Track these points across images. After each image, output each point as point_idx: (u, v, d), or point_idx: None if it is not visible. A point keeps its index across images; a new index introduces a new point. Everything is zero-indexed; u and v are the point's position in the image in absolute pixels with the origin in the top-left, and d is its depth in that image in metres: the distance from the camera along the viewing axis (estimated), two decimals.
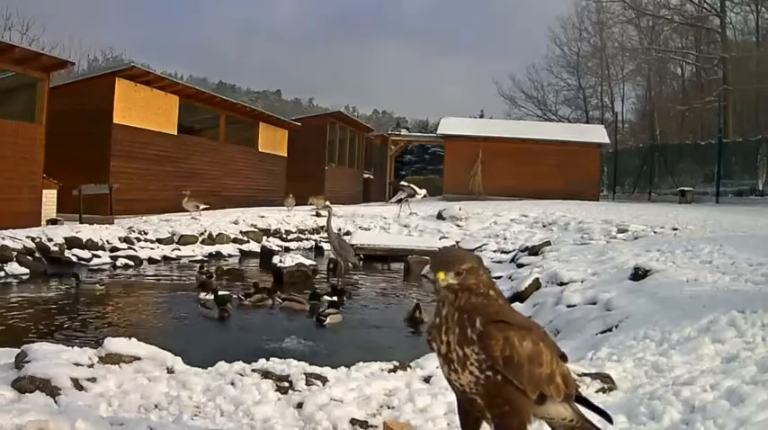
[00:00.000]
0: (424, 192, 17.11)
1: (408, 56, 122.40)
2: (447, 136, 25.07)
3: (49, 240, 9.15)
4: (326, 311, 6.22)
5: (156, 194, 14.63)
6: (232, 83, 73.24)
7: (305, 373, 3.22)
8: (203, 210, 13.49)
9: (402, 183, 16.82)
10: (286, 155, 22.45)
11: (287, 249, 11.41)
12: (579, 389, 3.09)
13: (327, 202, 16.18)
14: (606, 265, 7.09)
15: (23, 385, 2.88)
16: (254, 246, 12.03)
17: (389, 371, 3.45)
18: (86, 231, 10.02)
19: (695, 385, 2.84)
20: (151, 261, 10.14)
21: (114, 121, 13.92)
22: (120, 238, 10.35)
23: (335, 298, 7.02)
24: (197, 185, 16.44)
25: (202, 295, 6.88)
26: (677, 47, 35.33)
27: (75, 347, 3.37)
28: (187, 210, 13.37)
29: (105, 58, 37.38)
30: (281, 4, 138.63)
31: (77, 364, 3.09)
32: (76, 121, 13.33)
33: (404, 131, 32.93)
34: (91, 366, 3.14)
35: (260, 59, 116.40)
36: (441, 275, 1.71)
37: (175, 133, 16.14)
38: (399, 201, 16.33)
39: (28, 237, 8.96)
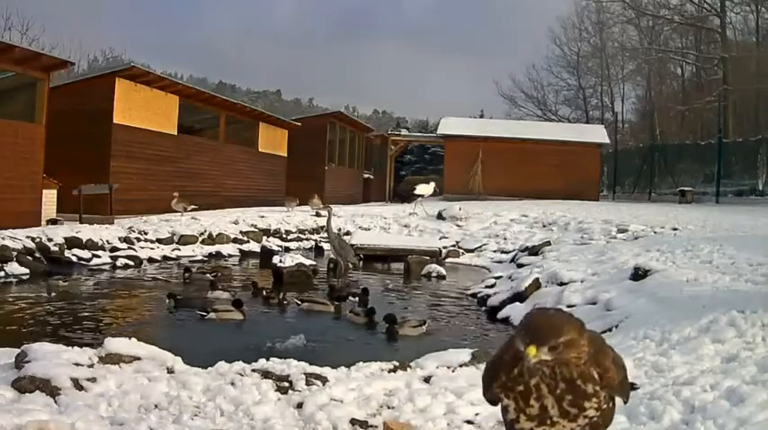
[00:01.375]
0: (433, 185, 16.91)
1: (408, 56, 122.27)
2: (447, 136, 25.09)
3: (49, 240, 9.14)
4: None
5: (156, 194, 14.62)
6: (232, 83, 73.14)
7: (305, 373, 3.23)
8: (191, 210, 13.47)
9: (416, 192, 16.67)
10: (286, 155, 22.44)
11: (287, 249, 11.40)
12: None
13: (316, 200, 16.15)
14: (606, 265, 7.09)
15: (23, 385, 2.88)
16: (254, 246, 12.02)
17: (389, 371, 3.45)
18: (86, 231, 10.02)
19: (695, 385, 2.84)
20: (151, 261, 10.14)
21: (114, 121, 13.91)
22: (120, 238, 10.35)
23: (359, 298, 6.96)
24: (197, 185, 16.46)
25: (210, 294, 6.86)
26: (677, 47, 35.33)
27: (75, 347, 3.38)
28: (176, 211, 13.36)
29: (105, 58, 37.32)
30: (282, 5, 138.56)
31: (77, 364, 3.10)
32: (76, 121, 13.31)
33: (404, 131, 32.90)
34: (91, 366, 3.14)
35: (260, 59, 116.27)
36: (531, 351, 1.43)
37: (175, 133, 16.13)
38: (416, 200, 16.31)
39: (28, 237, 8.95)
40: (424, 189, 16.65)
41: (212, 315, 6.03)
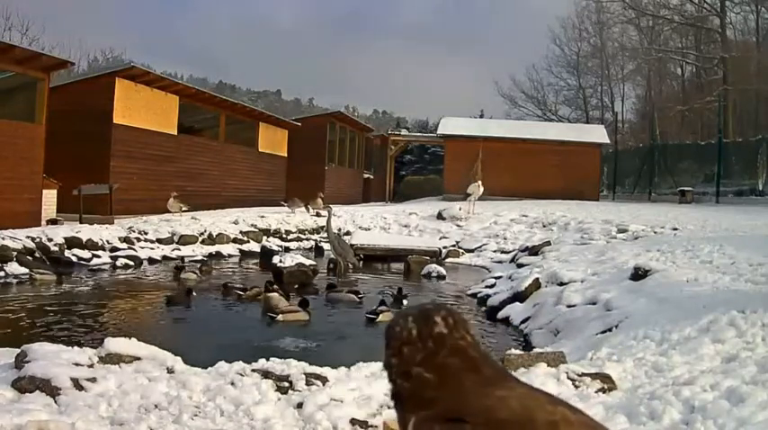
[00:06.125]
0: (479, 184, 16.34)
1: (409, 55, 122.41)
2: (447, 136, 25.07)
3: (49, 240, 9.13)
4: (378, 309, 6.19)
5: (156, 194, 14.60)
6: (232, 83, 73.16)
7: (305, 373, 3.23)
8: (185, 211, 13.41)
9: (468, 191, 16.41)
10: (286, 155, 22.44)
11: (287, 249, 11.40)
12: (579, 389, 3.10)
13: (318, 201, 16.02)
14: (606, 265, 7.09)
15: (23, 385, 2.88)
16: (254, 246, 12.01)
17: None
18: (86, 231, 10.01)
19: (695, 385, 2.84)
20: (151, 261, 10.13)
21: (114, 121, 13.90)
22: (120, 238, 10.34)
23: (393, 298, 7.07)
24: (197, 185, 16.45)
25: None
26: (677, 47, 35.32)
27: (75, 347, 3.38)
28: (170, 211, 13.28)
29: (105, 58, 37.19)
30: (282, 4, 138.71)
31: (77, 364, 3.10)
32: (76, 121, 13.30)
33: (404, 131, 32.86)
34: (91, 366, 3.14)
35: (260, 59, 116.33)
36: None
37: (175, 133, 16.13)
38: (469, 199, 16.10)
39: (28, 237, 8.94)
40: (474, 189, 16.39)
41: (280, 317, 6.04)
